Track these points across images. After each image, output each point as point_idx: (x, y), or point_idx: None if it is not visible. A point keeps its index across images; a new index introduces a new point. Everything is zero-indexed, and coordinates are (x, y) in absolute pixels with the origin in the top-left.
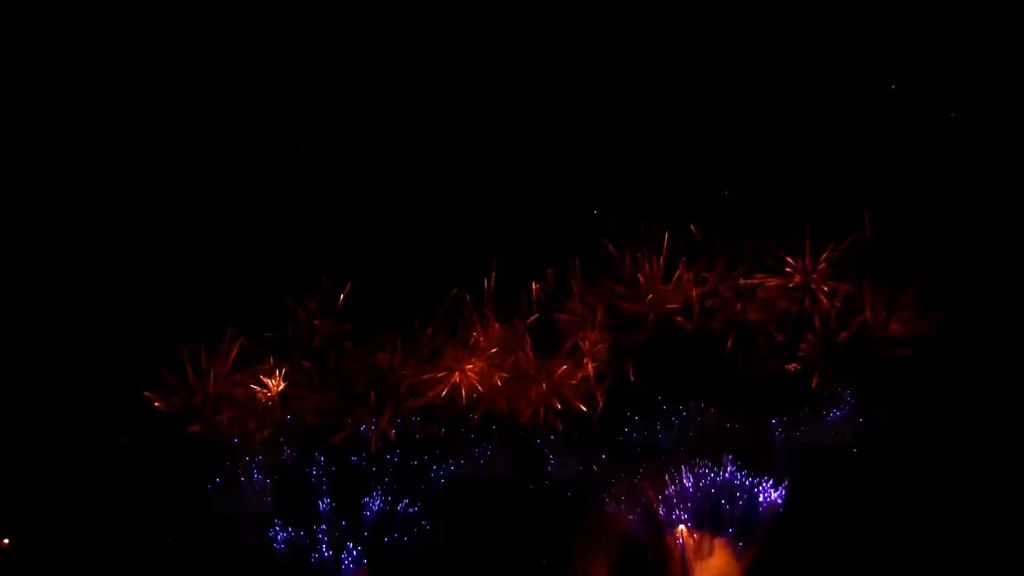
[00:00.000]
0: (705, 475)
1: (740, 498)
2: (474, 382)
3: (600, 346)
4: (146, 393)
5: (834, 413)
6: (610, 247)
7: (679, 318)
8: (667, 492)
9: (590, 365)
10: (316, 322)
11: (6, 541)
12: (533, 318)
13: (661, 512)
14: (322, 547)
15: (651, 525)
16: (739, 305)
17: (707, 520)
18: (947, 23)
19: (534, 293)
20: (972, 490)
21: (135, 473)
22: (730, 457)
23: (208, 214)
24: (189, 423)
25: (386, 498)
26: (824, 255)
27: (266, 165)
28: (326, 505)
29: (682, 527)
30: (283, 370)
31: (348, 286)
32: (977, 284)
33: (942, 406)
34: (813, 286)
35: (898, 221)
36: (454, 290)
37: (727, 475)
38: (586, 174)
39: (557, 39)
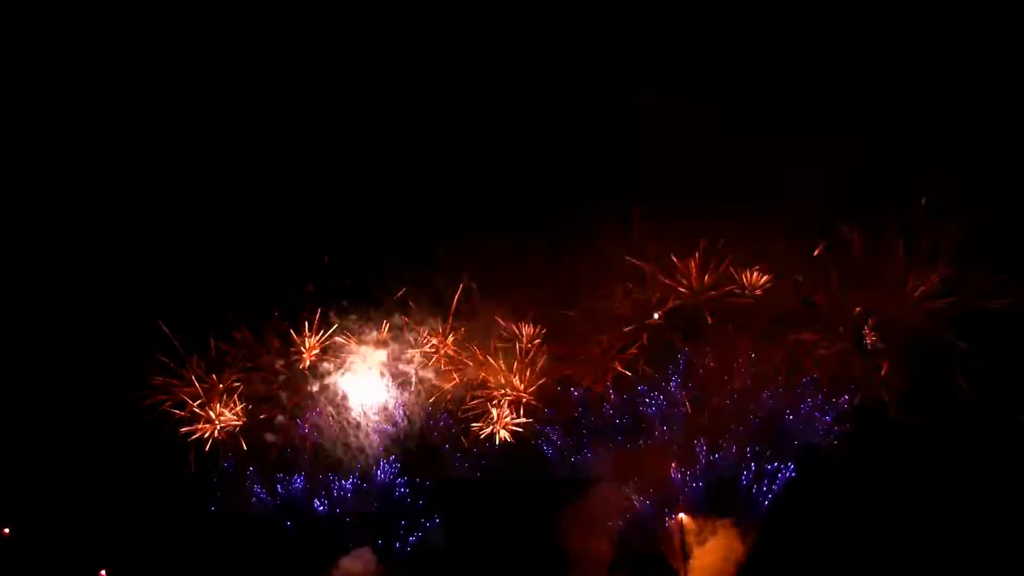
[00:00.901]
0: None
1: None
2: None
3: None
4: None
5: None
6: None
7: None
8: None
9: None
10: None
11: (7, 531)
12: None
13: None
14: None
15: (654, 506)
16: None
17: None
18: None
19: None
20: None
21: (131, 465)
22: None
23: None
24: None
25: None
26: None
27: (252, 165)
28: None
29: (682, 515)
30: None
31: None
32: None
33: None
34: None
35: None
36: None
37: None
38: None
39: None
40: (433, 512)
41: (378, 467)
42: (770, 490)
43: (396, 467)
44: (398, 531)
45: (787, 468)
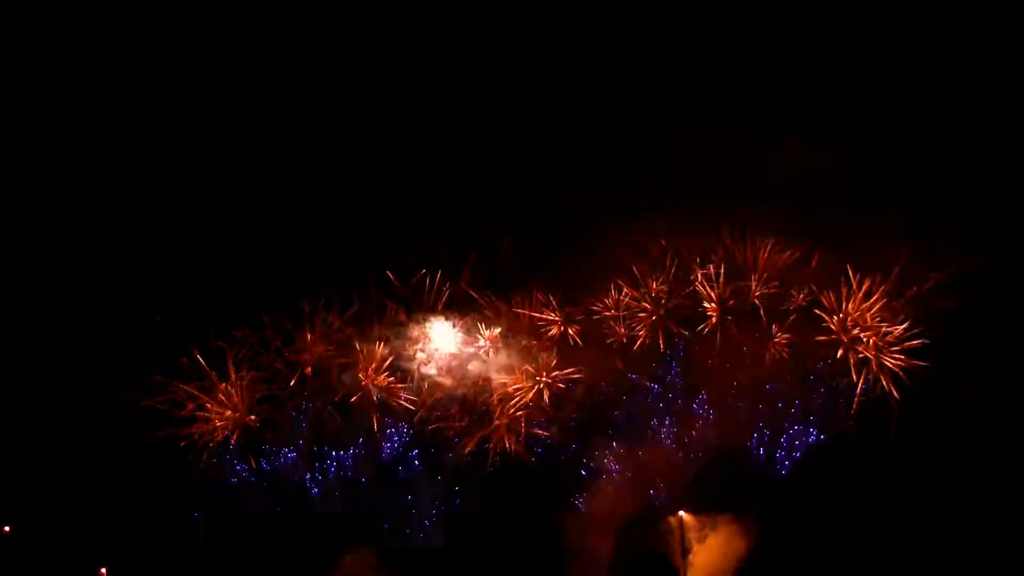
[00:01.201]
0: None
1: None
2: None
3: None
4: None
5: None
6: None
7: None
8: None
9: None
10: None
11: (7, 529)
12: None
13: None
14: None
15: (654, 503)
16: None
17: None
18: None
19: None
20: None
21: (131, 464)
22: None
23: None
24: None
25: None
26: None
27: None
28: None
29: (682, 512)
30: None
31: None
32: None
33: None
34: None
35: None
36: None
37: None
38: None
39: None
40: (450, 491)
41: (385, 439)
42: (788, 457)
43: (407, 435)
44: (407, 517)
45: (810, 434)
